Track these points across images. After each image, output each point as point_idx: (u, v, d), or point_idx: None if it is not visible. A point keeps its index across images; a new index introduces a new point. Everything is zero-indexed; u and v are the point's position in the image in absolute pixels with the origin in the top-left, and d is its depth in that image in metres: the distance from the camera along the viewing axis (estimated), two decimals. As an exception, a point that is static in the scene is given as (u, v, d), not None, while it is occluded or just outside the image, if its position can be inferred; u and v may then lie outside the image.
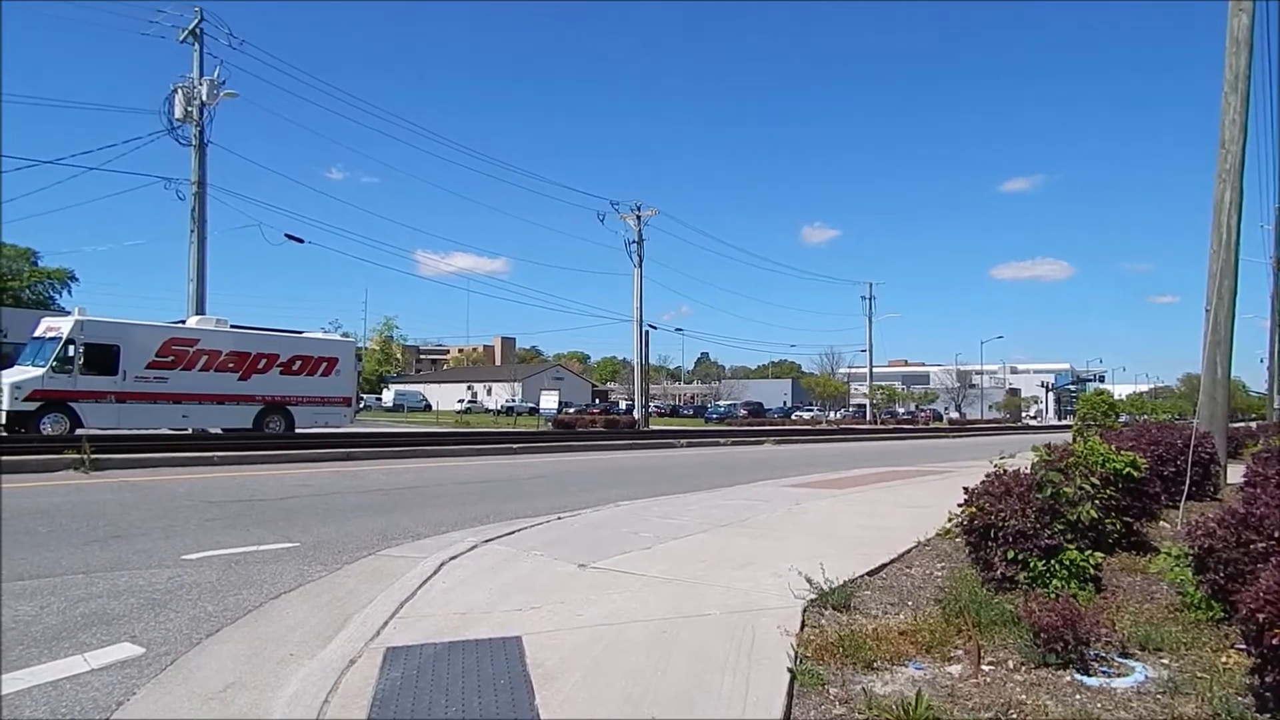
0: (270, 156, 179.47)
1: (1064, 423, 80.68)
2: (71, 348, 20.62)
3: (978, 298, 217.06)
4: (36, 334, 21.69)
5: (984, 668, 3.68)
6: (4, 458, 13.06)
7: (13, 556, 6.44)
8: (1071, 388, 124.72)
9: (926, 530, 7.36)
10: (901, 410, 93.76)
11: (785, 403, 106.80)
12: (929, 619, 4.45)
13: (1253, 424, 34.30)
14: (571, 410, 63.79)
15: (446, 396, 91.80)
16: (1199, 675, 3.56)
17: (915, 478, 14.51)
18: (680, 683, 3.46)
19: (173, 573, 6.04)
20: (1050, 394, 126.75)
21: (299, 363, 24.96)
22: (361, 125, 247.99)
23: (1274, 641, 2.82)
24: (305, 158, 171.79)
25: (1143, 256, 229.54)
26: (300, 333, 26.83)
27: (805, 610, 4.62)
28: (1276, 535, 3.89)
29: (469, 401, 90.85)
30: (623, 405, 77.23)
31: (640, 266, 44.40)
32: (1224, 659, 3.77)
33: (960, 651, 3.90)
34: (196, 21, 26.99)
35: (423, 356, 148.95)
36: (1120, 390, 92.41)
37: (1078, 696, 3.34)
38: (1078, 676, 3.54)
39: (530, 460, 19.60)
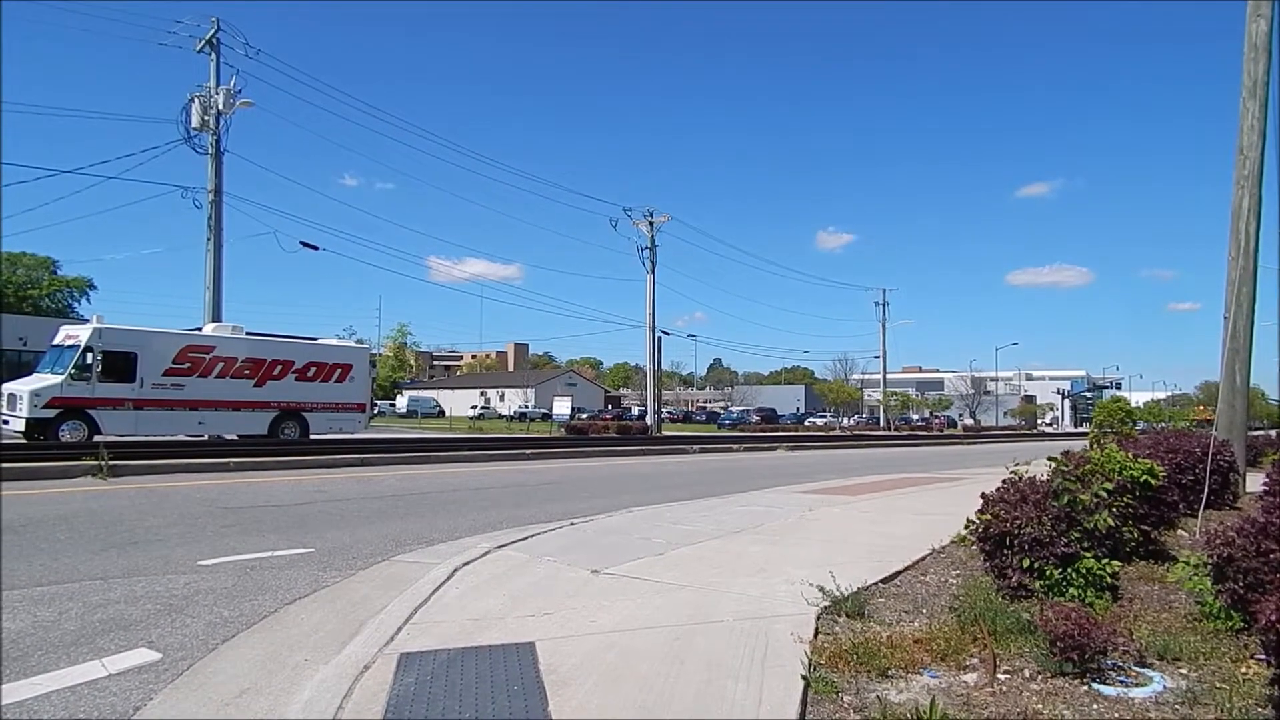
0: (286, 164, 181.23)
1: (1080, 430, 79.91)
2: (90, 355, 20.82)
3: (993, 304, 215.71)
4: (55, 342, 21.93)
5: (999, 676, 3.65)
6: (22, 464, 13.21)
7: (32, 562, 6.51)
8: (1088, 395, 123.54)
9: (941, 538, 7.32)
10: (915, 417, 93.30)
11: (798, 409, 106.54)
12: (944, 627, 4.42)
13: (1272, 432, 33.87)
14: (584, 416, 63.99)
15: (460, 402, 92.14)
16: (1218, 686, 3.52)
17: (929, 485, 14.44)
18: (693, 690, 3.46)
19: (189, 579, 6.08)
20: (1066, 401, 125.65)
21: (313, 369, 25.11)
22: (376, 132, 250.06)
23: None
24: (320, 165, 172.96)
25: (1164, 263, 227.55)
26: (315, 339, 26.92)
27: (819, 617, 4.61)
28: (1297, 544, 3.85)
29: (482, 407, 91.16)
30: (635, 411, 77.31)
31: (653, 273, 44.47)
32: (1243, 669, 3.73)
33: (976, 660, 3.88)
34: (213, 31, 27.29)
35: (436, 362, 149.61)
36: (1137, 398, 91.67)
37: (1094, 706, 3.32)
38: (1094, 686, 3.51)
39: (543, 466, 19.63)
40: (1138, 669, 3.74)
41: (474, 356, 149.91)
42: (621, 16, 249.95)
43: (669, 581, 5.70)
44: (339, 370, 25.75)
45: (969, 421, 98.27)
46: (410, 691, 3.50)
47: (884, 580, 5.78)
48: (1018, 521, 4.94)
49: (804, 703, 3.33)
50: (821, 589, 5.02)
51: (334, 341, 27.91)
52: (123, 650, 4.31)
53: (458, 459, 20.26)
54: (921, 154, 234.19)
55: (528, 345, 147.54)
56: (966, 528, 6.08)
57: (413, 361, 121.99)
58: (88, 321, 22.63)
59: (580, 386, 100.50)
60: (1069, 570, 4.84)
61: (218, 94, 26.82)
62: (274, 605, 5.34)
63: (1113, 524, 5.19)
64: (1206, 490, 7.98)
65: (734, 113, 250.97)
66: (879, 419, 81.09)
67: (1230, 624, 4.27)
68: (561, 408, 51.61)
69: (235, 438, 22.97)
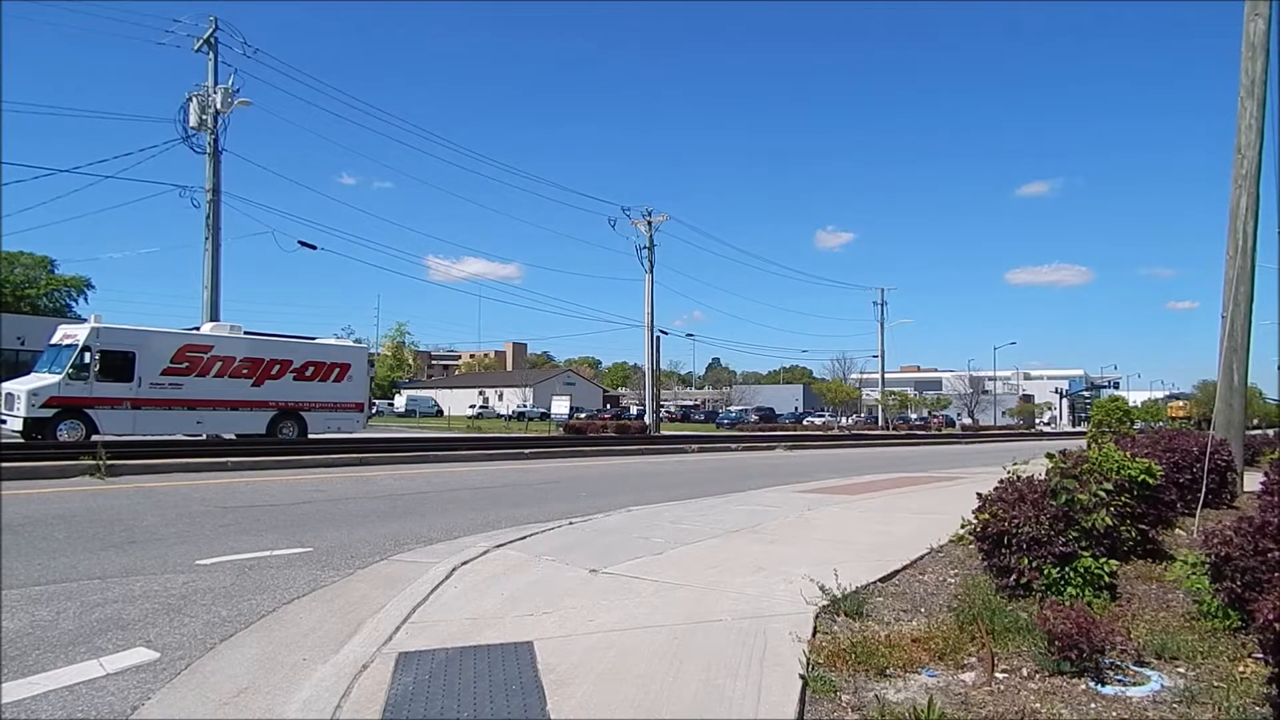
0: (283, 162, 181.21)
1: (1078, 429, 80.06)
2: (88, 355, 20.78)
3: (992, 303, 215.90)
4: (53, 341, 21.90)
5: (998, 675, 3.65)
6: (20, 464, 13.19)
7: (30, 562, 6.50)
8: (1086, 394, 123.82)
9: (939, 537, 7.32)
10: (914, 416, 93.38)
11: (797, 408, 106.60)
12: (942, 626, 4.42)
13: (1269, 431, 33.93)
14: (583, 415, 63.98)
15: (458, 402, 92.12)
16: (1215, 684, 3.53)
17: (928, 484, 14.44)
18: (692, 689, 3.46)
19: (187, 578, 6.08)
20: (1064, 400, 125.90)
21: (312, 368, 25.09)
22: (374, 131, 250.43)
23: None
24: (318, 163, 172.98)
25: (1163, 262, 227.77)
26: (313, 338, 26.90)
27: (817, 617, 4.61)
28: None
29: (480, 407, 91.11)
30: (634, 410, 77.36)
31: (651, 272, 44.41)
32: (1241, 668, 3.73)
33: (974, 659, 3.88)
34: (211, 30, 27.23)
35: (434, 362, 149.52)
36: (1135, 397, 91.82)
37: (1092, 705, 3.32)
38: (1092, 685, 3.52)
39: (542, 465, 19.63)
40: (1135, 668, 3.74)
41: (472, 356, 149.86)
42: (622, 16, 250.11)
43: (668, 581, 5.70)
44: (337, 370, 25.73)
45: (967, 421, 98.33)
46: (409, 691, 3.50)
47: (882, 579, 5.78)
48: (1016, 521, 4.95)
49: (802, 702, 3.33)
50: (820, 588, 5.02)
51: (332, 341, 27.90)
52: (121, 650, 4.30)
53: (456, 458, 20.25)
54: (921, 153, 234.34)
55: (526, 345, 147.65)
56: (964, 527, 6.10)
57: (411, 361, 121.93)
58: (85, 321, 22.59)
59: (579, 386, 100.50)
60: (1067, 569, 4.84)
61: (216, 93, 26.75)
62: (272, 605, 5.34)
63: (1111, 523, 5.20)
64: (1204, 489, 7.99)
65: (733, 112, 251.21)
66: (877, 418, 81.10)
67: (1228, 623, 4.27)
68: (560, 407, 51.64)
69: (233, 437, 22.95)
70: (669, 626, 4.47)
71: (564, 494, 13.11)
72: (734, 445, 32.12)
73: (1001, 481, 5.45)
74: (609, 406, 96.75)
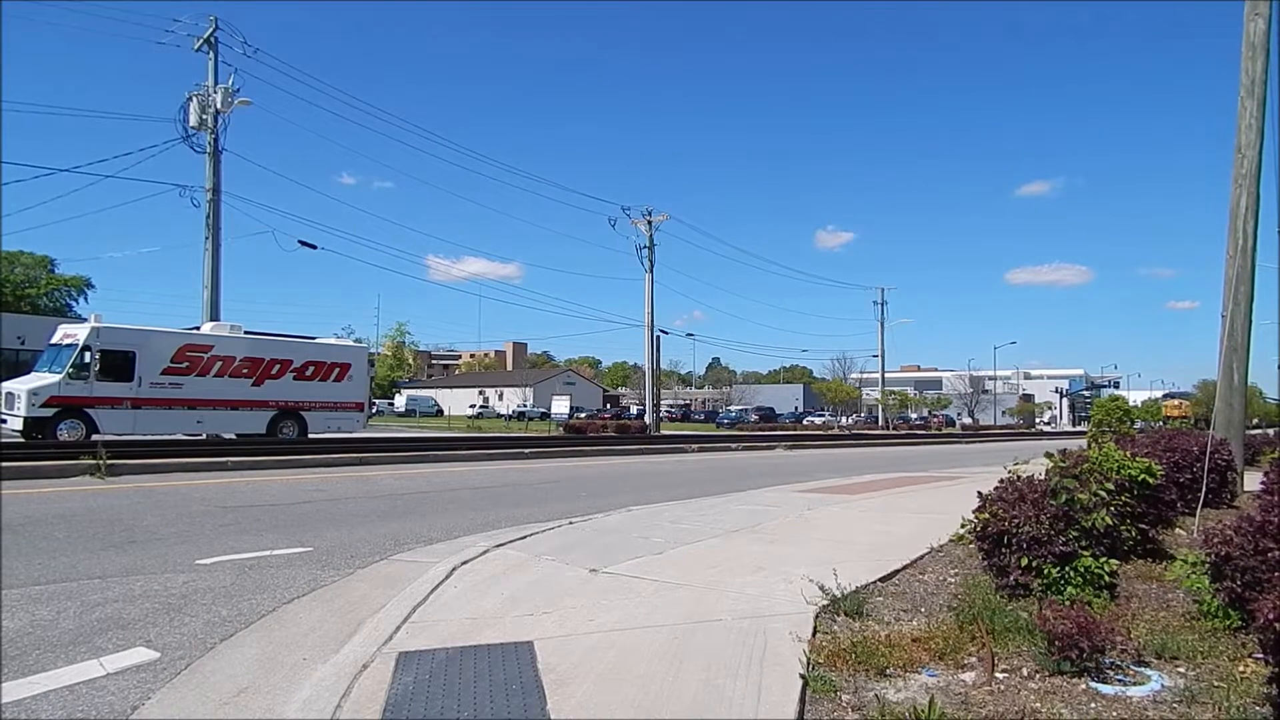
0: (283, 162, 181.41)
1: (1078, 429, 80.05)
2: (88, 354, 20.78)
3: (992, 303, 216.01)
4: (53, 341, 21.90)
5: (998, 675, 3.65)
6: (20, 464, 13.20)
7: (30, 561, 6.50)
8: (1086, 394, 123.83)
9: (939, 536, 7.32)
10: (914, 416, 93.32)
11: (797, 408, 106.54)
12: (942, 626, 4.42)
13: (1269, 431, 33.92)
14: (583, 415, 63.92)
15: (458, 401, 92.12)
16: (1215, 684, 3.53)
17: (928, 484, 14.44)
18: (692, 689, 3.46)
19: (187, 578, 6.08)
20: (1064, 400, 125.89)
21: (312, 368, 25.08)
22: (374, 131, 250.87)
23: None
24: (318, 163, 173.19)
25: (1163, 262, 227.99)
26: (313, 338, 26.89)
27: (817, 616, 4.61)
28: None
29: (480, 406, 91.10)
30: (634, 410, 77.30)
31: (651, 272, 44.41)
32: (1241, 668, 3.73)
33: (974, 659, 3.88)
34: (211, 30, 27.22)
35: (435, 362, 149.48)
36: (1135, 396, 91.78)
37: (1093, 705, 3.32)
38: (1093, 685, 3.52)
39: (542, 465, 19.63)
40: (1136, 668, 3.74)
41: (472, 355, 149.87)
42: (622, 16, 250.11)
43: (668, 580, 5.70)
44: (337, 369, 25.72)
45: (967, 420, 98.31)
46: (409, 691, 3.50)
47: (882, 579, 5.78)
48: (1016, 520, 4.95)
49: (802, 701, 3.33)
50: (820, 587, 5.02)
51: (332, 340, 27.90)
52: (121, 649, 4.30)
53: (456, 458, 20.25)
54: (921, 153, 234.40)
55: (526, 344, 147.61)
56: (964, 526, 6.10)
57: (411, 360, 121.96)
58: (86, 320, 22.58)
59: (579, 385, 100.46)
60: (1067, 569, 4.84)
61: (216, 93, 26.74)
62: (272, 604, 5.34)
63: (1111, 523, 5.19)
64: (1204, 489, 7.99)
65: (733, 112, 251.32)
66: (877, 418, 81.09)
67: (1228, 622, 4.27)
68: (560, 407, 51.68)
69: (234, 437, 22.94)
70: (669, 626, 4.47)
71: (564, 494, 13.11)
72: (734, 445, 32.13)
73: (1001, 481, 5.45)
74: (609, 406, 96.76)
